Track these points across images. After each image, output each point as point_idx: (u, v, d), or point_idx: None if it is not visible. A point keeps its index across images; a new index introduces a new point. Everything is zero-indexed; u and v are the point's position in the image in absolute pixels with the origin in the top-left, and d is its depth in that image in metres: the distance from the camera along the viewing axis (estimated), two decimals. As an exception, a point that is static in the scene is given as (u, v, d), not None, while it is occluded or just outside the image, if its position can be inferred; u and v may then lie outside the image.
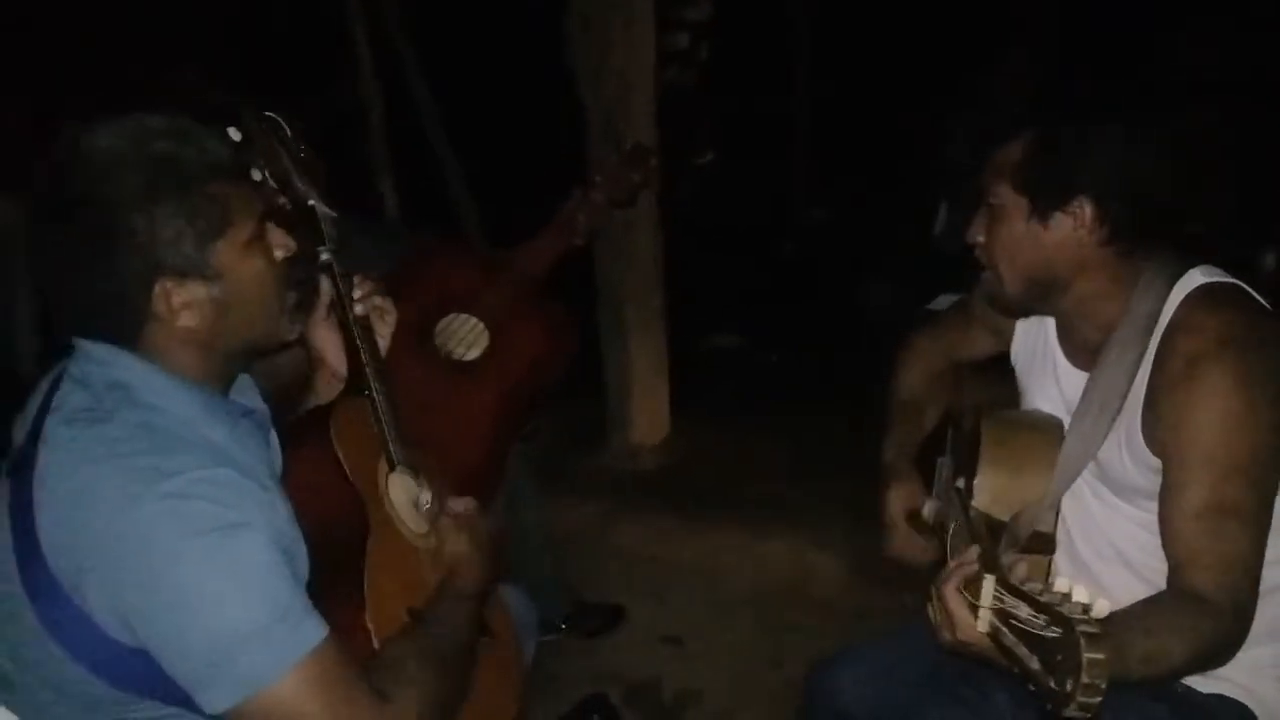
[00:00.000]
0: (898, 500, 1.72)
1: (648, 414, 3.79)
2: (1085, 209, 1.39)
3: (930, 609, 1.28)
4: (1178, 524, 1.32)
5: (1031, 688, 1.00)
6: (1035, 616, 1.01)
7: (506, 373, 2.31)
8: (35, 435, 1.18)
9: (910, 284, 3.98)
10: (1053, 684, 0.96)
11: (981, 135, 1.49)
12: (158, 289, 1.17)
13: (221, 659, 1.09)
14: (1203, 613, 1.27)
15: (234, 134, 1.50)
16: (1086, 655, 0.92)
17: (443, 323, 2.35)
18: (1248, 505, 1.30)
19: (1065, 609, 0.97)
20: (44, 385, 1.26)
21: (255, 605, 1.11)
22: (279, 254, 1.27)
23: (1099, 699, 0.92)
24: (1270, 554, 1.33)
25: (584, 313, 3.64)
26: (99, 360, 1.20)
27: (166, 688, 1.14)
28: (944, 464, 1.81)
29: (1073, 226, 1.41)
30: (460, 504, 1.49)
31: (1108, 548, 1.51)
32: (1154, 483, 1.39)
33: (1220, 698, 1.43)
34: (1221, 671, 1.40)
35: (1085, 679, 0.91)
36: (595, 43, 3.32)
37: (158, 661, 1.12)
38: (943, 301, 3.90)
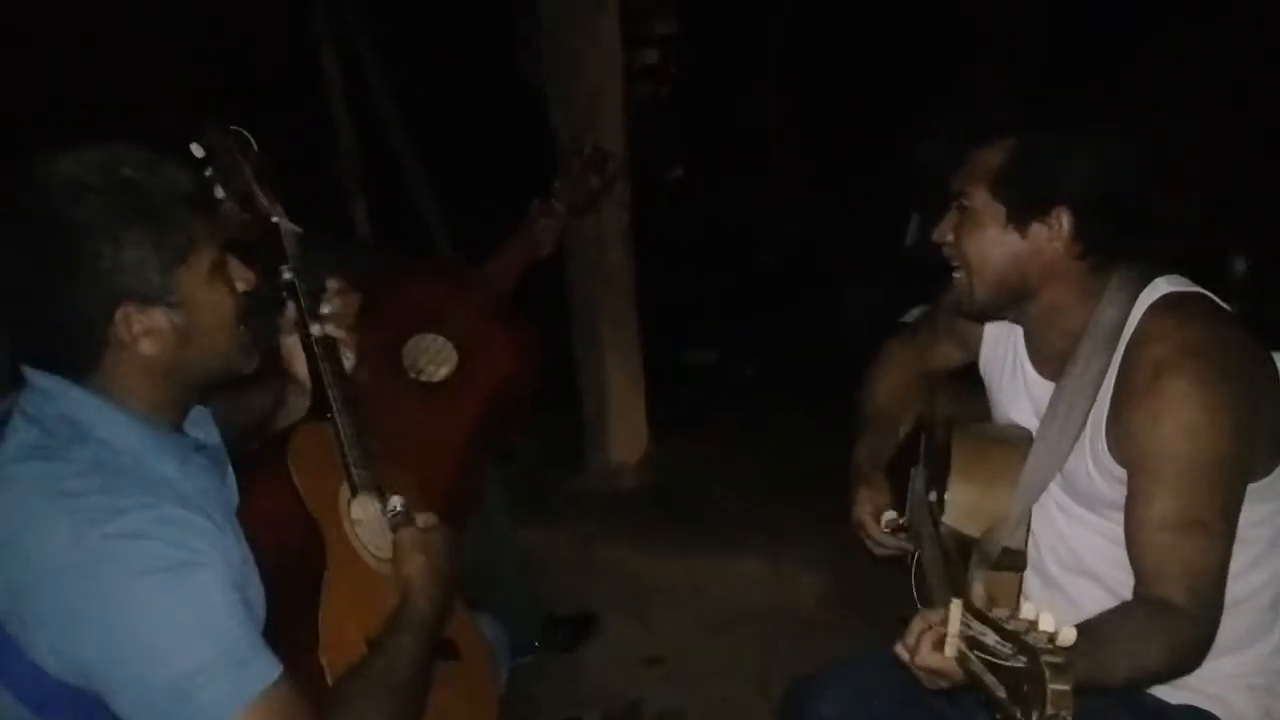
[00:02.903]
0: (864, 502, 1.72)
1: (626, 432, 3.75)
2: (1063, 220, 1.39)
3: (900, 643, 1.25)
4: (1144, 534, 1.32)
5: (998, 717, 0.99)
6: (1002, 644, 0.99)
7: (476, 390, 2.28)
8: None
9: (885, 295, 3.98)
10: (1018, 714, 0.95)
11: (961, 135, 1.48)
12: (119, 315, 1.14)
13: (172, 700, 1.06)
14: (1172, 621, 1.27)
15: (197, 150, 1.48)
16: (1051, 687, 0.91)
17: (410, 343, 2.32)
18: (1213, 514, 1.30)
19: (1030, 638, 0.95)
20: None
21: (206, 645, 1.08)
22: (240, 285, 1.25)
23: None
24: (1235, 566, 1.33)
25: (559, 331, 3.61)
26: (49, 394, 1.17)
27: None
28: (917, 473, 1.80)
29: (1049, 236, 1.40)
30: (420, 519, 1.44)
31: (1075, 562, 1.50)
32: (1120, 494, 1.38)
33: (1191, 708, 1.43)
34: (1191, 682, 1.39)
35: (1050, 710, 0.91)
36: (563, 59, 3.30)
37: (106, 703, 1.09)
38: (917, 314, 3.90)
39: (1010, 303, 1.48)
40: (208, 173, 1.51)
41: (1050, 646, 0.93)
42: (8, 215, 1.14)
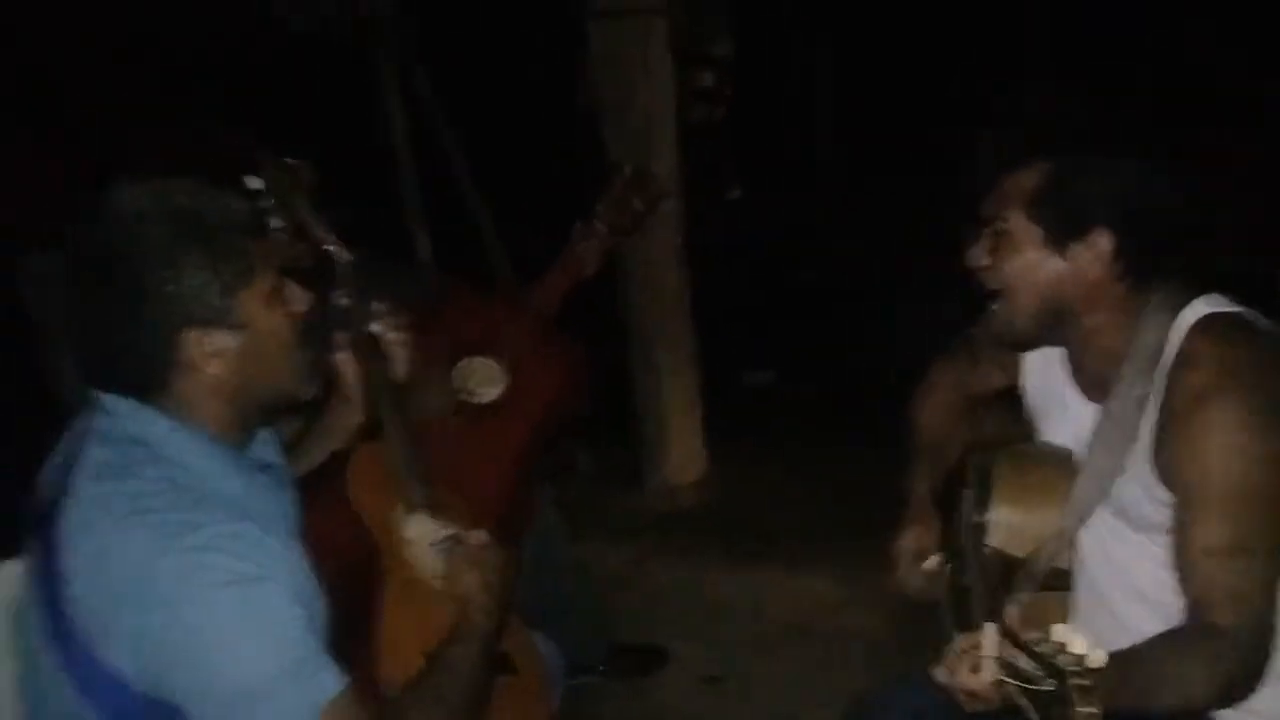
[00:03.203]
0: (911, 539, 1.72)
1: (683, 452, 3.77)
2: (1103, 240, 1.36)
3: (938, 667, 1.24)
4: (1191, 560, 1.30)
5: None
6: (1034, 667, 0.99)
7: (526, 411, 2.32)
8: (61, 491, 1.20)
9: (942, 315, 3.94)
10: None
11: (995, 159, 1.45)
12: (184, 339, 1.19)
13: (244, 708, 1.11)
14: (1222, 646, 1.25)
15: (254, 181, 1.54)
16: (1078, 710, 0.91)
17: (460, 365, 2.37)
18: (1259, 539, 1.27)
19: (1060, 660, 0.95)
20: (69, 440, 1.28)
21: (274, 656, 1.12)
22: (298, 308, 1.30)
23: None
24: None
25: (616, 352, 3.65)
26: (121, 415, 1.22)
27: None
28: (968, 497, 1.78)
29: (1089, 258, 1.37)
30: (472, 537, 1.47)
31: (1125, 584, 1.48)
32: (1167, 517, 1.36)
33: None
34: (1258, 706, 1.35)
35: None
36: (618, 82, 3.35)
37: (181, 713, 1.13)
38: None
39: (1051, 327, 1.45)
40: (264, 204, 1.57)
41: (1079, 669, 0.93)
42: (74, 248, 1.21)
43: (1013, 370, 1.67)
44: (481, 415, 2.31)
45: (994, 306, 1.47)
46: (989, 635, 1.06)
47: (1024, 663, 1.01)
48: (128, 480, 1.17)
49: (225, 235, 1.20)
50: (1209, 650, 1.24)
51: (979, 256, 1.46)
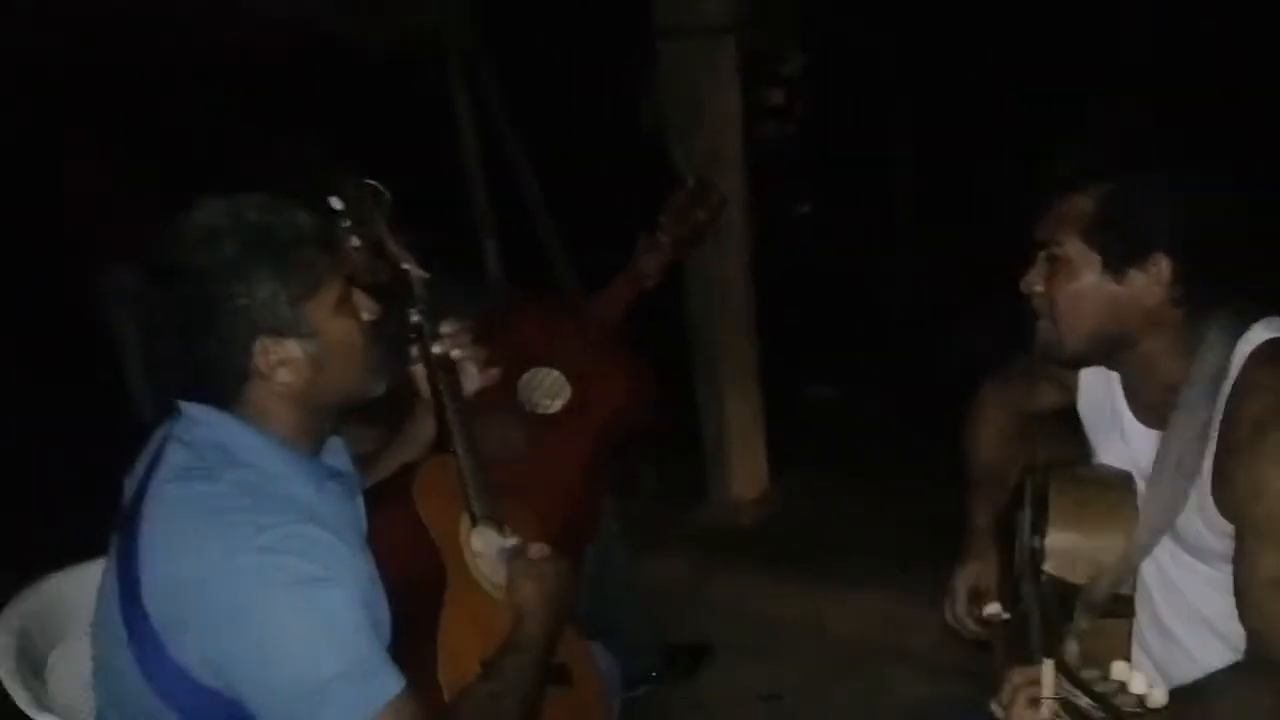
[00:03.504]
0: (968, 576, 1.71)
1: (745, 467, 3.77)
2: (1162, 266, 1.34)
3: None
4: (1252, 592, 1.28)
5: None
6: (1094, 707, 0.98)
7: (590, 422, 2.35)
8: (142, 492, 1.27)
9: (1008, 335, 3.89)
10: None
11: (1051, 182, 1.44)
12: (257, 347, 1.25)
13: (305, 705, 1.15)
14: None
15: (335, 202, 1.59)
16: None
17: (525, 377, 2.41)
18: None
19: (1119, 700, 0.95)
20: (151, 446, 1.35)
21: (336, 656, 1.17)
22: (365, 315, 1.36)
23: None
24: None
25: (681, 366, 3.67)
26: (201, 422, 1.29)
27: None
28: (1024, 519, 1.76)
29: (1147, 284, 1.35)
30: (533, 549, 1.51)
31: (1190, 612, 1.46)
32: (1228, 546, 1.35)
33: None
34: None
35: None
36: (685, 101, 3.37)
37: (248, 709, 1.18)
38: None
39: (1106, 352, 1.44)
40: (344, 224, 1.62)
41: (1139, 710, 0.93)
42: (153, 266, 1.28)
43: (1073, 389, 1.64)
44: (546, 426, 2.35)
45: (1042, 323, 1.45)
46: (1046, 672, 1.05)
47: (1083, 701, 0.99)
48: (206, 482, 1.23)
49: (294, 248, 1.26)
50: (1273, 685, 1.23)
51: (1033, 283, 1.44)
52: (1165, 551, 1.45)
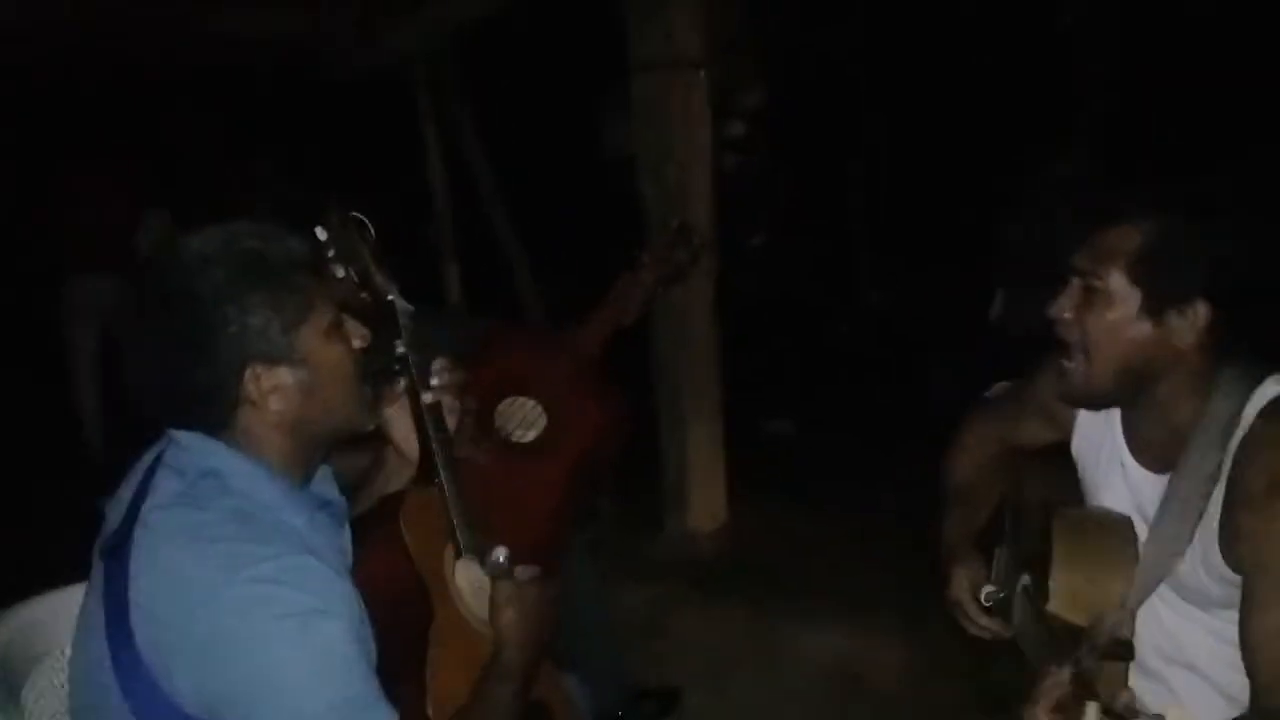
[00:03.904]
0: (964, 579, 1.70)
1: (705, 500, 3.80)
2: (1201, 312, 1.34)
3: None
4: (1260, 643, 1.30)
5: None
6: None
7: (565, 452, 2.35)
8: (131, 520, 1.25)
9: (969, 369, 3.97)
10: None
11: (1092, 213, 1.42)
12: (249, 374, 1.25)
13: None
14: None
15: (321, 233, 1.59)
16: None
17: (502, 406, 2.41)
18: None
19: None
20: (138, 472, 1.33)
21: (331, 689, 1.16)
22: (356, 343, 1.35)
23: None
24: None
25: (642, 398, 3.68)
26: (192, 449, 1.27)
27: None
28: (1001, 554, 1.79)
29: (1184, 327, 1.35)
30: (518, 570, 1.50)
31: (1178, 654, 1.48)
32: (1229, 593, 1.37)
33: None
34: None
35: None
36: (656, 133, 3.42)
37: None
38: (1000, 389, 3.89)
39: (1130, 389, 1.42)
40: (330, 254, 1.62)
41: None
42: (146, 294, 1.27)
43: (1067, 427, 1.63)
44: (520, 456, 2.35)
45: (1070, 364, 1.43)
46: (1091, 713, 1.07)
47: None
48: (198, 510, 1.22)
49: (286, 274, 1.26)
50: None
51: (1063, 309, 1.42)
52: (1159, 597, 1.47)
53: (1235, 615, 1.37)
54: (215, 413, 1.27)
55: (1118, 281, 1.37)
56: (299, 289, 1.27)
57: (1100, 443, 1.57)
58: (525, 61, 5.45)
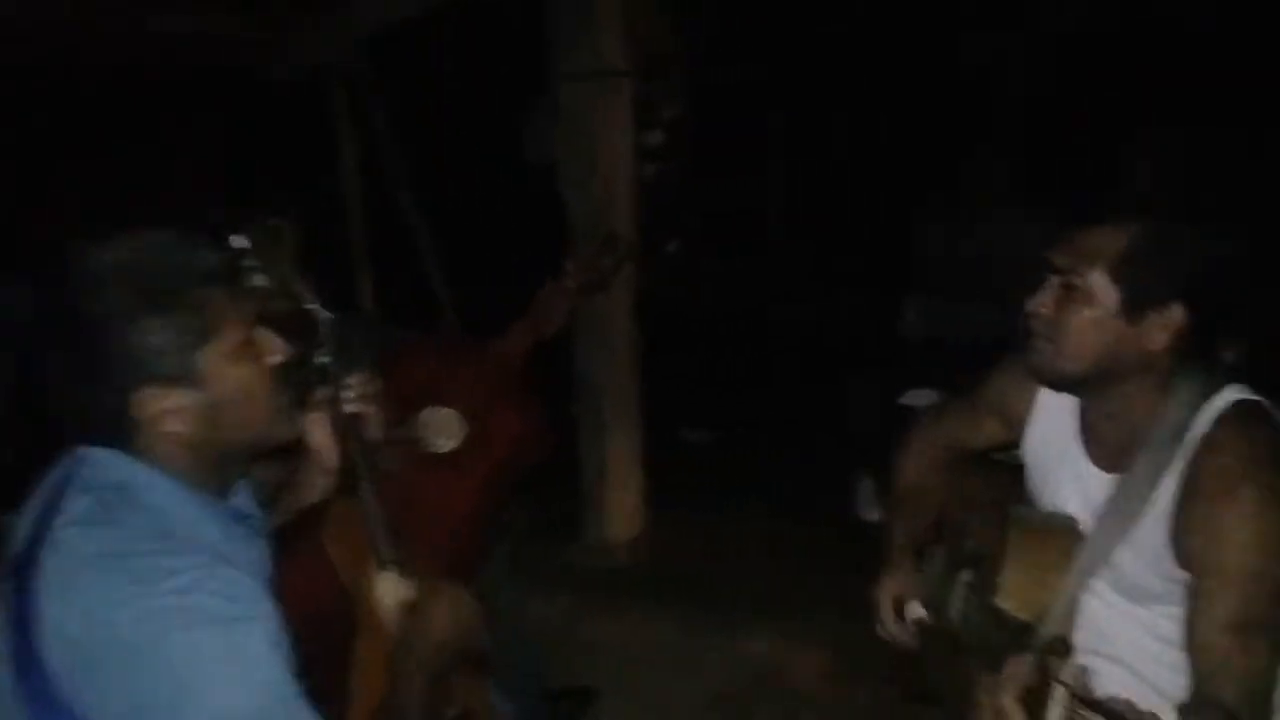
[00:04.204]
0: (891, 587, 1.77)
1: (622, 508, 3.80)
2: (1177, 314, 1.38)
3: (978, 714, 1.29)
4: (1205, 635, 1.35)
5: None
6: None
7: (484, 462, 2.34)
8: (38, 539, 1.21)
9: (882, 378, 4.07)
10: None
11: (1077, 213, 1.46)
12: (138, 398, 1.21)
13: None
14: None
15: (239, 240, 1.56)
16: None
17: (421, 415, 2.39)
18: (1272, 618, 1.33)
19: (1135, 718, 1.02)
20: (44, 489, 1.29)
21: (253, 696, 1.14)
22: (273, 359, 1.32)
23: None
24: None
25: (560, 406, 3.68)
26: (101, 464, 1.24)
27: None
28: (936, 553, 1.84)
29: (1158, 329, 1.39)
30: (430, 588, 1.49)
31: (1107, 649, 1.53)
32: (1169, 589, 1.42)
33: None
34: None
35: None
36: (579, 143, 3.43)
37: None
38: (914, 396, 3.99)
39: (1097, 382, 1.46)
40: (248, 262, 1.59)
41: None
42: (42, 310, 1.23)
43: (1020, 427, 1.68)
44: (438, 465, 2.33)
45: (1039, 344, 1.47)
46: (1058, 694, 1.13)
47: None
48: (110, 527, 1.19)
49: (184, 294, 1.22)
50: None
51: (1040, 304, 1.46)
52: (1095, 590, 1.52)
53: (1170, 611, 1.44)
54: (121, 429, 1.24)
55: (1099, 280, 1.40)
56: (197, 308, 1.22)
57: (1055, 442, 1.61)
58: (445, 68, 5.41)
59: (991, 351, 1.67)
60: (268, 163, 4.25)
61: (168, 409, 1.22)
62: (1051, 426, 1.62)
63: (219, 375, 1.25)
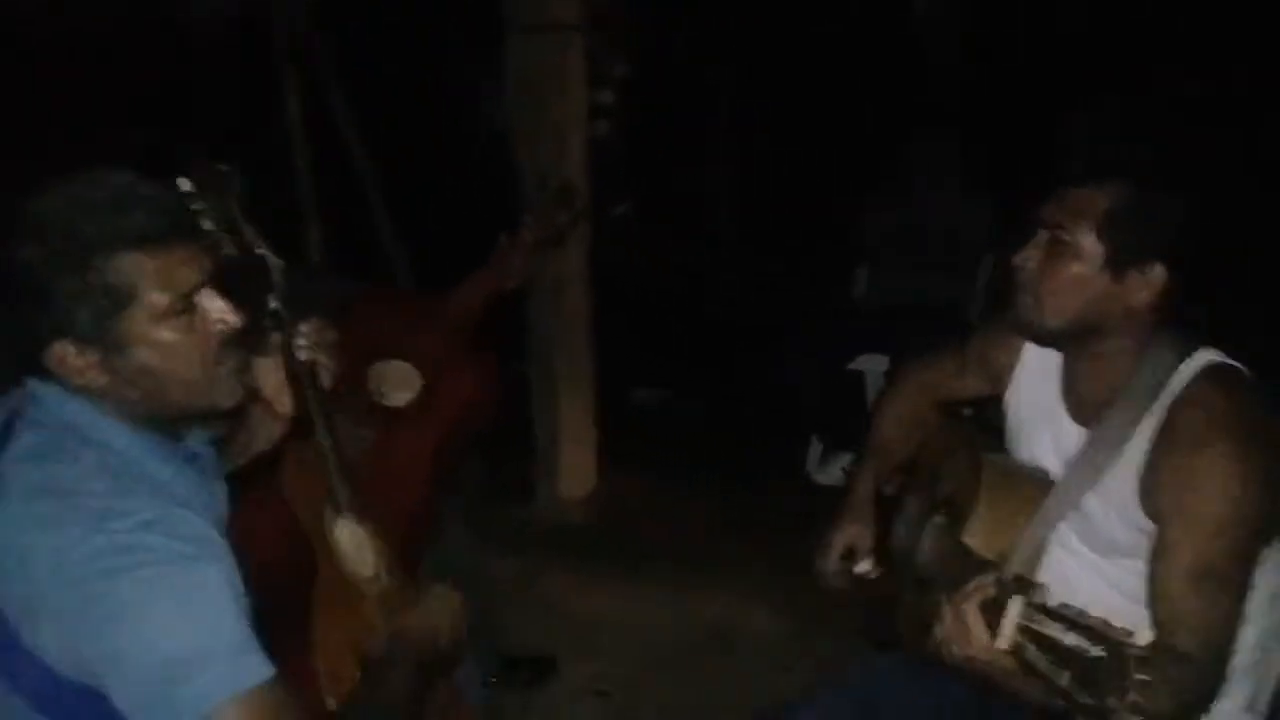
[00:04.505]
0: (846, 535, 1.79)
1: (575, 467, 3.80)
2: (1159, 274, 1.42)
3: (937, 626, 1.33)
4: (1167, 583, 1.39)
5: (1061, 702, 1.07)
6: (1075, 638, 1.07)
7: (439, 416, 2.31)
8: None
9: (830, 343, 4.09)
10: (1088, 698, 1.02)
11: (1069, 170, 1.47)
12: (53, 351, 1.18)
13: (170, 681, 1.10)
14: (1186, 669, 1.33)
15: (185, 184, 1.51)
16: (1136, 676, 0.98)
17: (375, 368, 2.35)
18: (1234, 570, 1.37)
19: (1111, 633, 1.03)
20: None
21: (205, 634, 1.12)
22: (218, 326, 1.24)
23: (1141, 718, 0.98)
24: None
25: (514, 365, 3.65)
26: (49, 400, 1.22)
27: None
28: (911, 502, 1.86)
29: (1140, 287, 1.43)
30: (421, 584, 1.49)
31: (1070, 600, 1.56)
32: (1136, 541, 1.45)
33: None
34: None
35: (1133, 697, 0.98)
36: (534, 97, 3.38)
37: (106, 695, 1.12)
38: (864, 361, 4.01)
39: (1077, 338, 1.50)
40: (195, 206, 1.54)
41: (1132, 641, 1.01)
42: None
43: (1003, 381, 1.72)
44: (394, 419, 2.30)
45: (1024, 298, 1.50)
46: (1014, 605, 1.15)
47: (1054, 630, 1.09)
48: (60, 464, 1.17)
49: (104, 260, 1.16)
50: (1175, 672, 1.31)
51: (1028, 258, 1.49)
52: (1062, 544, 1.56)
53: (1134, 565, 1.47)
54: (50, 374, 1.21)
55: (1086, 237, 1.43)
56: (120, 273, 1.16)
57: (1038, 399, 1.64)
58: (391, 19, 5.29)
59: (938, 317, 1.68)
60: (209, 108, 4.12)
61: (82, 366, 1.19)
62: (1035, 385, 1.66)
63: (142, 341, 1.19)
